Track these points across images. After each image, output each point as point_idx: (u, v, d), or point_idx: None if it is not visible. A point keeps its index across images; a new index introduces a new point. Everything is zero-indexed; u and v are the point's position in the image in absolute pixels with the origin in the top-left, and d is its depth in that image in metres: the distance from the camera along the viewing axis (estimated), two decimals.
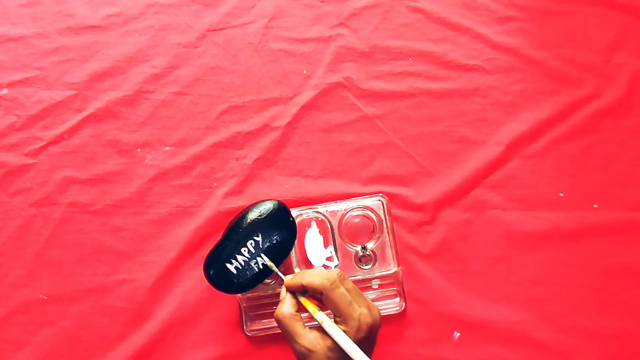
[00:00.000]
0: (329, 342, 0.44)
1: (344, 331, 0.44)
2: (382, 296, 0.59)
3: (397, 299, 0.59)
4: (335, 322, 0.45)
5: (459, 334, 0.59)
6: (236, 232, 0.52)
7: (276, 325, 0.57)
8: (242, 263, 0.51)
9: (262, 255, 0.51)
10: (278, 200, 0.53)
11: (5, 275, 0.60)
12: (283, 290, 0.49)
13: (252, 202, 0.54)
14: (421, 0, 0.66)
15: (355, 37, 0.66)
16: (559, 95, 0.64)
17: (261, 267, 0.51)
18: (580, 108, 0.63)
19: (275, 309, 0.57)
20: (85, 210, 0.61)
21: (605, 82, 0.64)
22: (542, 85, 0.64)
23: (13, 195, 0.61)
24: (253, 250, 0.51)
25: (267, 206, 0.53)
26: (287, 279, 0.48)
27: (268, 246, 0.51)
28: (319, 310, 0.47)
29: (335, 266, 0.57)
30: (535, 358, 0.58)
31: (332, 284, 0.45)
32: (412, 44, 0.65)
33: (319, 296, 0.46)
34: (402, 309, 0.58)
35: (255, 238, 0.51)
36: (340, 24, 0.66)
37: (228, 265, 0.51)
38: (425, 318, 0.59)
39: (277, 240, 0.52)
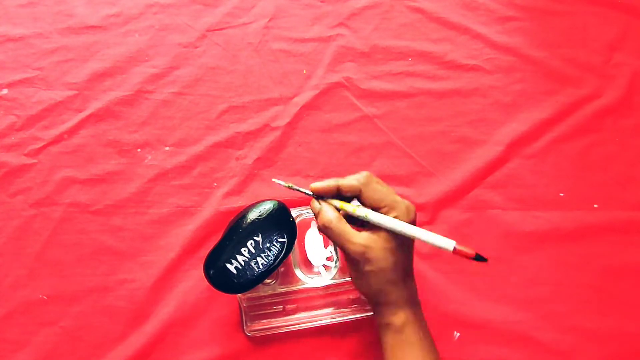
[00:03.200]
0: (382, 234, 0.44)
1: (395, 217, 0.44)
2: None
3: None
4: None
5: (459, 334, 0.59)
6: (236, 232, 0.52)
7: (276, 325, 0.57)
8: (242, 263, 0.51)
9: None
10: (278, 200, 0.53)
11: (5, 275, 0.60)
12: (314, 203, 0.48)
13: (252, 202, 0.54)
14: (421, 0, 0.66)
15: (355, 37, 0.66)
16: (559, 95, 0.64)
17: (262, 266, 0.51)
18: (580, 108, 0.63)
19: (276, 308, 0.58)
20: (85, 210, 0.61)
21: (605, 82, 0.64)
22: (542, 85, 0.64)
23: (13, 195, 0.61)
24: (253, 250, 0.51)
25: (267, 206, 0.53)
26: (316, 185, 0.48)
27: (268, 246, 0.52)
28: (359, 206, 0.46)
29: (335, 266, 0.57)
30: (535, 358, 0.58)
31: (366, 179, 0.46)
32: (412, 44, 0.65)
33: (357, 194, 0.46)
34: None
35: (255, 238, 0.51)
36: (340, 24, 0.66)
37: (228, 265, 0.51)
38: (426, 318, 0.59)
39: (277, 240, 0.52)
